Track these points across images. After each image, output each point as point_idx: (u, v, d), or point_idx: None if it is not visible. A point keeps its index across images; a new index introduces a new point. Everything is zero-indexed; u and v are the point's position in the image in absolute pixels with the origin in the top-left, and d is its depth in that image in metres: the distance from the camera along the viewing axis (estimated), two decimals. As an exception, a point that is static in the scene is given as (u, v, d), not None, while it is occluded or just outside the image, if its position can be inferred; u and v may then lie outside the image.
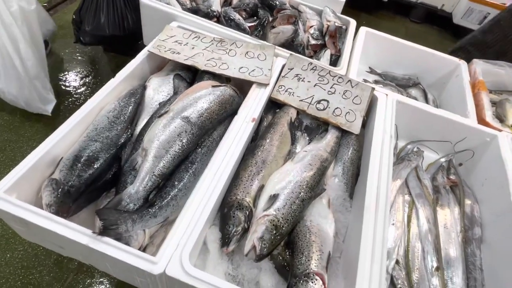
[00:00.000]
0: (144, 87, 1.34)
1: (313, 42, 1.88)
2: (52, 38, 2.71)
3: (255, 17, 2.00)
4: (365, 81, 1.85)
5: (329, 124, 1.35)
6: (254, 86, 1.37)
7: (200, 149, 1.13)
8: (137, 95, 1.27)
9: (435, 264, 1.16)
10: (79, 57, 2.75)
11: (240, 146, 1.14)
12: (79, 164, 1.01)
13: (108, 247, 0.85)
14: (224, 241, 0.97)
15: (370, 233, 0.99)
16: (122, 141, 1.13)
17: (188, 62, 1.40)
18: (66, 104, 2.40)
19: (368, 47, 1.89)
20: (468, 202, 1.35)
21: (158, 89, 1.36)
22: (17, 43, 1.91)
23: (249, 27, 1.85)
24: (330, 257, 0.98)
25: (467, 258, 1.20)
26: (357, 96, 1.41)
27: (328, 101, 1.39)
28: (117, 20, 2.30)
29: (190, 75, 1.46)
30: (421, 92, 1.97)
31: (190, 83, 1.41)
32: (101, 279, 1.66)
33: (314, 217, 1.06)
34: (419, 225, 1.25)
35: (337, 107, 1.38)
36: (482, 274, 1.18)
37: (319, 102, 1.39)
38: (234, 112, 1.26)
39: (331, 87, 1.43)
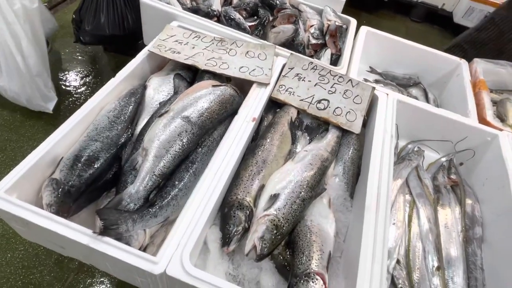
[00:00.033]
0: (144, 87, 1.34)
1: (313, 41, 1.88)
2: (52, 37, 2.72)
3: (256, 17, 2.00)
4: (366, 80, 1.85)
5: (330, 123, 1.35)
6: (254, 85, 1.37)
7: (200, 149, 1.13)
8: (138, 95, 1.27)
9: (436, 264, 1.16)
10: (79, 57, 2.75)
11: (241, 146, 1.14)
12: (80, 164, 1.01)
13: (109, 247, 0.85)
14: (225, 241, 0.97)
15: (371, 233, 0.99)
16: (123, 140, 1.13)
17: (189, 62, 1.40)
18: (66, 103, 2.40)
19: (369, 46, 1.89)
20: (469, 201, 1.34)
21: (159, 88, 1.36)
22: (20, 41, 1.92)
23: (249, 26, 1.85)
24: (330, 257, 0.98)
25: (468, 257, 1.20)
26: (357, 95, 1.41)
27: (328, 101, 1.39)
28: (117, 19, 2.30)
29: (191, 75, 1.46)
30: (422, 92, 1.97)
31: (191, 83, 1.41)
32: (101, 279, 1.66)
33: (315, 217, 1.06)
34: (420, 225, 1.25)
35: (338, 107, 1.37)
36: (483, 274, 1.18)
37: (319, 101, 1.38)
38: (234, 112, 1.25)
39: (331, 87, 1.43)
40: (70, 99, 2.44)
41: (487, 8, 3.66)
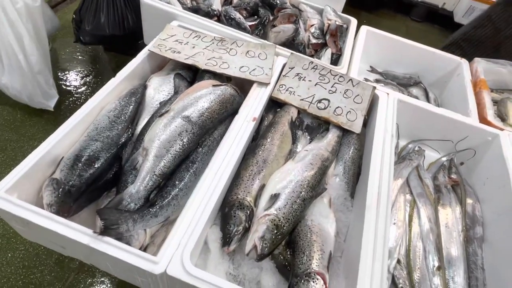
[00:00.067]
0: (144, 87, 1.34)
1: (314, 41, 1.87)
2: (52, 37, 2.72)
3: (256, 16, 2.00)
4: (366, 80, 1.85)
5: (330, 123, 1.35)
6: (255, 85, 1.37)
7: (201, 149, 1.13)
8: (138, 95, 1.27)
9: (436, 264, 1.16)
10: (79, 57, 2.75)
11: (241, 146, 1.14)
12: (80, 164, 1.01)
13: (109, 246, 0.85)
14: (225, 241, 0.97)
15: (371, 233, 0.99)
16: (123, 140, 1.13)
17: (189, 62, 1.40)
18: (67, 103, 2.40)
19: (369, 46, 1.88)
20: (469, 201, 1.34)
21: (159, 88, 1.36)
22: (22, 39, 1.93)
23: (249, 26, 1.85)
24: (331, 257, 0.98)
25: (468, 257, 1.20)
26: (358, 95, 1.41)
27: (329, 100, 1.39)
28: (117, 19, 2.30)
29: (191, 75, 1.46)
30: (422, 91, 1.97)
31: (191, 83, 1.41)
32: (102, 279, 1.66)
33: (315, 217, 1.06)
34: (420, 225, 1.24)
35: (338, 106, 1.37)
36: (484, 274, 1.18)
37: (320, 101, 1.38)
38: (235, 112, 1.25)
39: (332, 86, 1.43)
40: (71, 99, 2.44)
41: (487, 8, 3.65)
